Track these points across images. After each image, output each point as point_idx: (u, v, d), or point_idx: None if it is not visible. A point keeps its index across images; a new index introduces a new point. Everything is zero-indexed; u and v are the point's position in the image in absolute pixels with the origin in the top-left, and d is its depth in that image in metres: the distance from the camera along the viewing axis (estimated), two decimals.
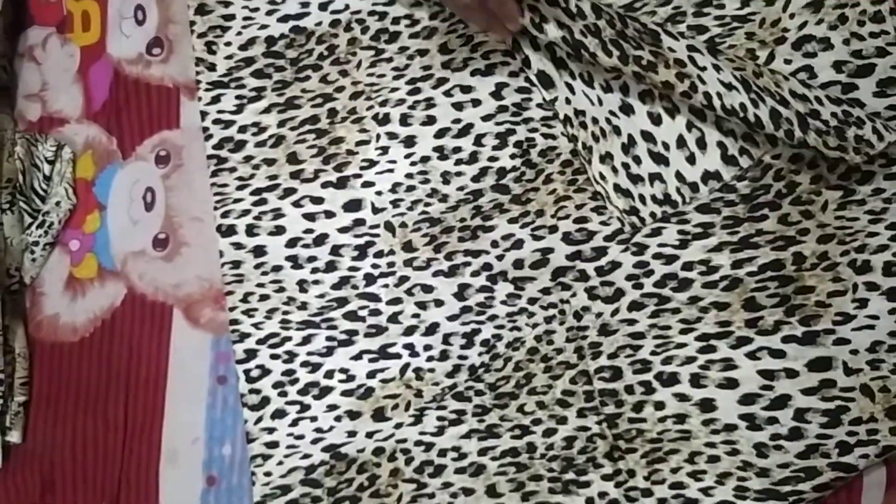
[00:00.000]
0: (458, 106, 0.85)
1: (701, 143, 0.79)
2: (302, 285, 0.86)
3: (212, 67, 0.89)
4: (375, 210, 0.86)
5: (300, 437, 0.84)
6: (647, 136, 0.80)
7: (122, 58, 0.94)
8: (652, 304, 0.80)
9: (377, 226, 0.85)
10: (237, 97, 0.89)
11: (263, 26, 0.89)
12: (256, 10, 0.90)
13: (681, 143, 0.80)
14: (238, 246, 0.87)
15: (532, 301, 0.82)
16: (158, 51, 0.93)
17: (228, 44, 0.90)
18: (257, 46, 0.89)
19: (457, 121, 0.85)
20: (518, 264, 0.83)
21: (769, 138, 0.78)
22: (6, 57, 0.96)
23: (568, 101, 0.82)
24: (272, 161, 0.88)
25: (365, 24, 0.87)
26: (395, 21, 0.87)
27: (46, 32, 0.97)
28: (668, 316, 0.80)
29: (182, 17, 0.92)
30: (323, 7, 0.89)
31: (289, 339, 0.85)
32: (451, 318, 0.83)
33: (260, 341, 0.85)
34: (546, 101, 0.83)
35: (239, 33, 0.90)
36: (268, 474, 0.83)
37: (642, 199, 0.80)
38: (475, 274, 0.83)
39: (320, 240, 0.86)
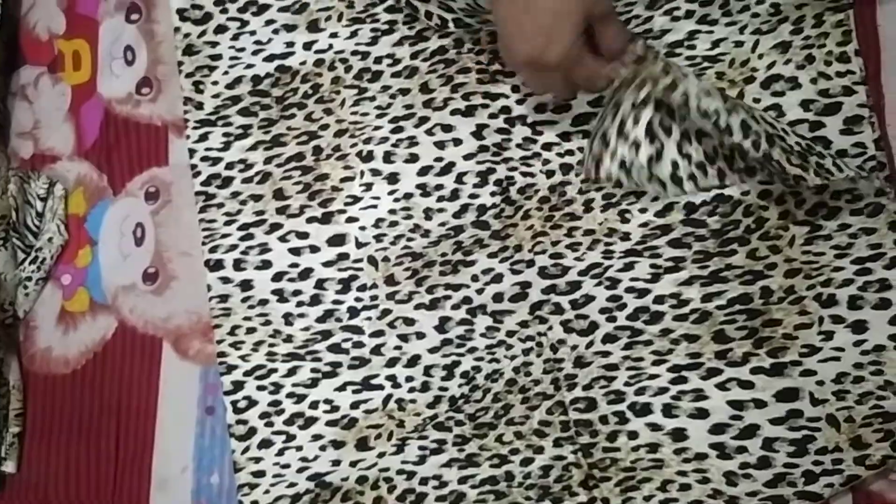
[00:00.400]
0: (440, 144, 0.89)
1: (658, 155, 0.82)
2: (287, 318, 0.89)
3: (199, 106, 0.93)
4: (359, 245, 0.89)
5: (286, 466, 0.87)
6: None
7: (112, 97, 0.98)
8: (625, 337, 0.83)
9: (360, 260, 0.89)
10: (224, 135, 0.92)
11: (249, 65, 0.93)
12: (242, 49, 0.93)
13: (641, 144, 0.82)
14: (225, 280, 0.90)
15: (510, 334, 0.85)
16: (147, 90, 0.97)
17: (215, 83, 0.93)
18: (244, 85, 0.93)
19: (439, 159, 0.88)
20: (498, 298, 0.86)
21: (727, 159, 0.80)
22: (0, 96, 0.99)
23: None
24: (259, 197, 0.91)
25: (348, 64, 0.91)
26: (378, 60, 0.91)
27: (38, 72, 1.01)
28: (641, 348, 0.83)
29: (170, 57, 0.96)
30: (307, 47, 0.92)
31: (275, 370, 0.89)
32: (432, 351, 0.86)
33: (247, 373, 0.89)
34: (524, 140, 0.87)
35: (226, 72, 0.93)
36: (255, 503, 0.87)
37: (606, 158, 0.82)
38: (455, 307, 0.87)
39: (305, 274, 0.89)
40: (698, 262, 0.83)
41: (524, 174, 0.87)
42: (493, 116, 0.88)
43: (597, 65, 0.76)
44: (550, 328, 0.85)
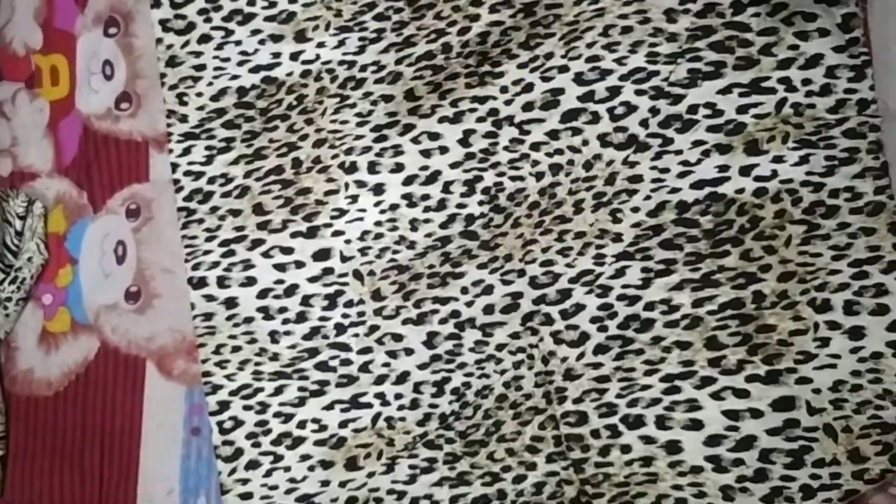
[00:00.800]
0: (426, 153, 0.89)
1: None
2: (273, 336, 0.89)
3: (184, 119, 0.93)
4: (344, 258, 0.89)
5: (274, 487, 0.87)
6: None
7: (91, 113, 0.98)
8: (616, 347, 0.84)
9: (346, 274, 0.89)
10: (207, 148, 0.92)
11: (235, 76, 0.93)
12: (227, 60, 0.93)
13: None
14: (209, 298, 0.90)
15: (500, 347, 0.85)
16: (127, 105, 0.97)
17: (200, 94, 0.93)
18: (228, 97, 0.93)
19: (424, 168, 0.88)
20: (489, 310, 0.86)
21: None
22: None
23: None
24: (238, 212, 0.91)
25: (334, 74, 0.91)
26: (363, 68, 0.91)
27: (15, 88, 1.01)
28: (633, 357, 0.83)
29: (149, 71, 0.96)
30: (294, 57, 0.92)
31: (261, 389, 0.89)
32: (422, 367, 0.87)
33: (232, 392, 0.89)
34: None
35: (210, 83, 0.93)
36: None
37: None
38: (443, 321, 0.87)
39: (291, 290, 0.89)
40: (690, 264, 0.83)
41: (513, 178, 0.87)
42: (480, 120, 0.88)
43: None
44: (541, 340, 0.85)
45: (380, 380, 0.88)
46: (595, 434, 0.83)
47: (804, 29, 0.82)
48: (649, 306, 0.83)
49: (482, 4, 0.89)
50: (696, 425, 0.81)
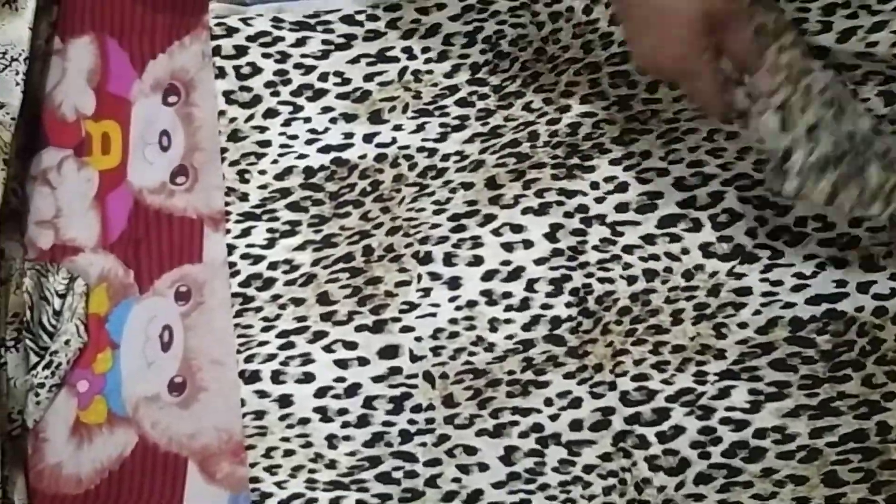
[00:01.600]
0: (508, 247, 0.85)
1: None
2: (331, 441, 0.84)
3: (244, 197, 0.89)
4: (414, 358, 0.84)
5: None
6: None
7: (143, 185, 0.95)
8: (721, 477, 0.78)
9: (415, 375, 0.84)
10: (269, 231, 0.89)
11: (302, 156, 0.90)
12: (295, 137, 0.90)
13: None
14: (262, 394, 0.86)
15: (588, 469, 0.80)
16: (183, 179, 0.94)
17: (263, 172, 0.90)
18: (294, 177, 0.89)
19: (506, 262, 0.84)
20: (576, 426, 0.81)
21: None
22: (18, 180, 0.97)
23: None
24: (300, 301, 0.87)
25: (413, 161, 0.88)
26: (445, 157, 0.87)
27: (62, 155, 0.98)
28: (740, 490, 0.78)
29: (209, 143, 0.93)
30: (368, 139, 0.89)
31: (315, 500, 0.83)
32: (497, 486, 0.81)
33: (283, 502, 0.83)
34: None
35: (275, 161, 0.90)
36: None
37: None
38: (523, 435, 0.82)
39: (352, 390, 0.85)
40: (805, 388, 0.78)
41: (602, 280, 0.83)
42: (568, 215, 0.84)
43: (712, 85, 0.68)
44: (635, 464, 0.79)
45: (449, 497, 0.82)
46: None
47: None
48: (760, 433, 0.78)
49: (573, 95, 0.86)
50: None
